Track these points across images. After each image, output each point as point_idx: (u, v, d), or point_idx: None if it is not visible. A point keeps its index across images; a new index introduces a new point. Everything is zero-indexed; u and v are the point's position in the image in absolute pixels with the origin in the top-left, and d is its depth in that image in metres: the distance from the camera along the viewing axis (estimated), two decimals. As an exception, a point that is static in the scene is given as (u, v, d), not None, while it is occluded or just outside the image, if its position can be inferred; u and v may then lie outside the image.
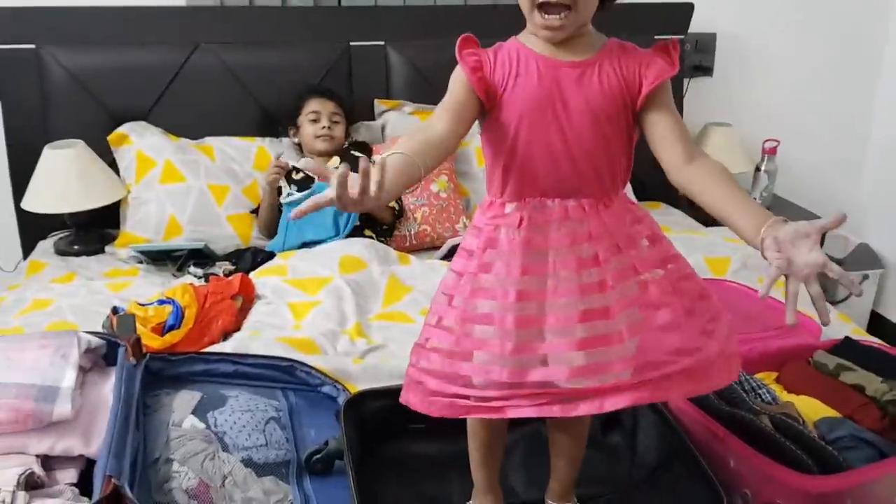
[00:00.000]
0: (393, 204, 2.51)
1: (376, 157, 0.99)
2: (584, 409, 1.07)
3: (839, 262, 3.02)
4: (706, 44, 3.09)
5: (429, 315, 1.21)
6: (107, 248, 2.51)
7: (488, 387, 1.09)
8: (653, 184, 2.94)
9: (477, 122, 1.20)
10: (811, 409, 1.48)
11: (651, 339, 1.10)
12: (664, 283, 1.16)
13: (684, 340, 1.12)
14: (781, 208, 3.11)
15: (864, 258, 3.12)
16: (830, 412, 1.47)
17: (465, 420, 1.32)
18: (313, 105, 2.59)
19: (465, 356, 1.12)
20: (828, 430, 1.41)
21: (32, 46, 2.54)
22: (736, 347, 1.18)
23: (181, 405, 1.45)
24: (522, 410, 1.09)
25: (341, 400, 1.60)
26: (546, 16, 1.10)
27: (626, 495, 1.42)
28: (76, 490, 1.24)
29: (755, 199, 3.07)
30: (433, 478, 1.43)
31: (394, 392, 1.50)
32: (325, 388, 1.67)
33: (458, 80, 1.16)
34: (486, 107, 1.16)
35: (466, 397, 1.11)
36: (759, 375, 1.58)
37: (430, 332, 1.19)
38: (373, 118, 2.83)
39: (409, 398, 1.20)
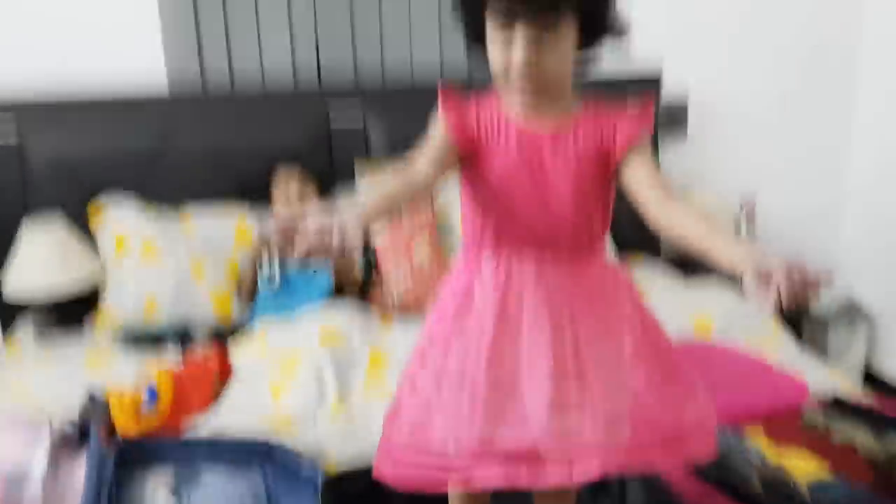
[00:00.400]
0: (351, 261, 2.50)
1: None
2: (554, 477, 1.04)
3: (826, 317, 3.02)
4: (678, 112, 3.11)
5: (402, 378, 1.19)
6: (85, 329, 2.47)
7: (457, 454, 1.06)
8: (634, 236, 2.93)
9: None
10: (801, 468, 1.44)
11: (626, 405, 1.08)
12: (642, 348, 1.14)
13: (660, 409, 1.09)
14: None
15: (851, 311, 3.11)
16: (821, 469, 1.43)
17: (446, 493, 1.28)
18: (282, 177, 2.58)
19: (435, 422, 1.09)
20: (822, 493, 1.38)
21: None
22: (713, 420, 1.15)
23: (154, 485, 1.41)
24: (490, 479, 1.05)
25: (319, 482, 1.56)
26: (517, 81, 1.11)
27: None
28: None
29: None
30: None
31: (371, 472, 1.47)
32: (305, 472, 1.62)
33: (440, 131, 1.17)
34: (464, 159, 1.17)
35: (436, 468, 1.08)
36: (747, 428, 1.54)
37: (402, 398, 1.17)
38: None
39: (381, 472, 1.16)
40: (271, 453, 1.62)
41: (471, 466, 1.05)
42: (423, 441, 1.10)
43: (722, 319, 2.27)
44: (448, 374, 1.12)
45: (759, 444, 1.53)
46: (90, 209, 2.56)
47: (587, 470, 1.03)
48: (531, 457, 1.04)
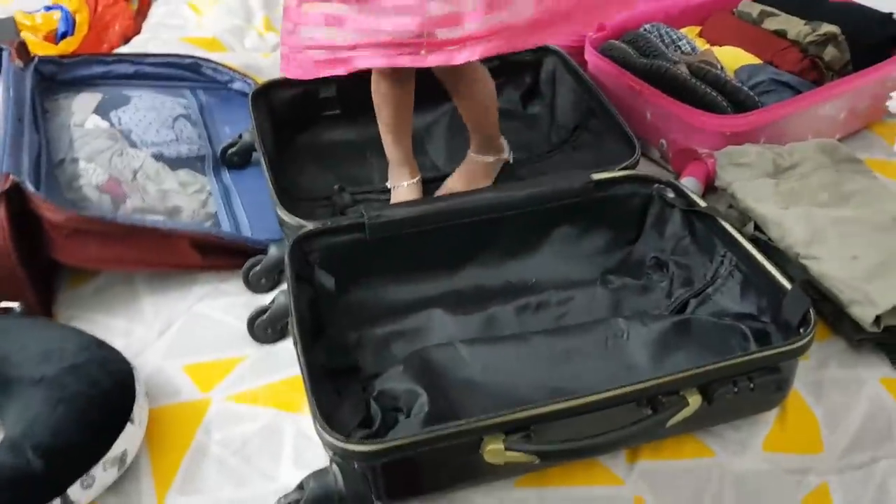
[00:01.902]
0: None
1: None
2: (434, 60, 1.01)
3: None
4: None
5: None
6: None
7: (338, 38, 1.03)
8: None
9: None
10: (732, 57, 1.45)
11: None
12: None
13: None
14: None
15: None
16: (752, 59, 1.45)
17: None
18: None
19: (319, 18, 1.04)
20: (747, 77, 1.40)
21: None
22: None
23: (81, 106, 1.38)
24: (372, 60, 1.04)
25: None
26: None
27: (546, 156, 1.41)
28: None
29: None
30: (351, 161, 1.40)
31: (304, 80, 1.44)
32: (236, 85, 1.59)
33: None
34: None
35: (326, 59, 1.05)
36: (682, 30, 1.53)
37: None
38: None
39: (287, 71, 1.12)
40: (198, 69, 1.57)
41: (350, 48, 1.03)
42: (307, 37, 1.06)
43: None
44: None
45: (694, 40, 1.52)
46: None
47: (470, 54, 1.00)
48: (412, 42, 1.00)
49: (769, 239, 1.10)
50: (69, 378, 0.86)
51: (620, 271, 1.17)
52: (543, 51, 1.49)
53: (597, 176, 1.15)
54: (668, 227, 1.15)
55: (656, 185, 1.15)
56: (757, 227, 1.12)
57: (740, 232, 1.05)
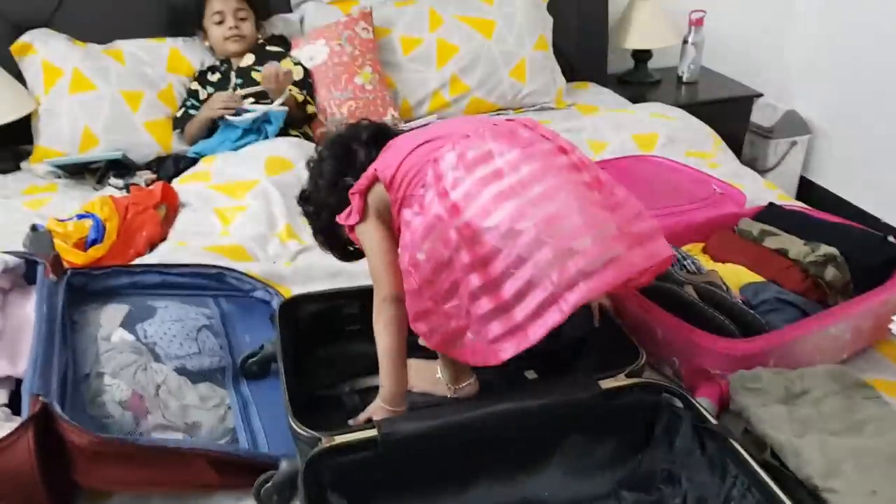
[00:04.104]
0: (311, 110, 2.45)
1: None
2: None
3: (768, 130, 3.07)
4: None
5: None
6: (22, 165, 2.41)
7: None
8: (581, 65, 2.92)
9: None
10: (736, 275, 1.51)
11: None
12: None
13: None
14: (709, 79, 3.11)
15: (792, 125, 3.16)
16: (755, 277, 1.51)
17: None
18: (215, 5, 2.45)
19: None
20: (752, 295, 1.45)
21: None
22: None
23: (108, 319, 1.42)
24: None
25: (275, 304, 1.59)
26: None
27: (552, 366, 1.44)
28: (7, 410, 1.22)
29: (683, 72, 3.06)
30: (370, 373, 1.43)
31: (328, 296, 1.50)
32: (258, 293, 1.65)
33: None
34: None
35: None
36: (685, 247, 1.60)
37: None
38: (290, 10, 2.72)
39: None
40: (222, 279, 1.63)
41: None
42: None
43: (664, 137, 2.29)
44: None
45: (697, 257, 1.59)
46: (13, 49, 2.41)
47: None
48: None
49: (783, 466, 1.11)
50: None
51: (632, 485, 1.17)
52: None
53: (605, 384, 1.18)
54: (677, 439, 1.16)
55: (664, 394, 1.18)
56: (773, 454, 1.13)
57: (751, 455, 1.06)
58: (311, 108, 2.45)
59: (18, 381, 1.27)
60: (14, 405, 1.24)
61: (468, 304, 1.07)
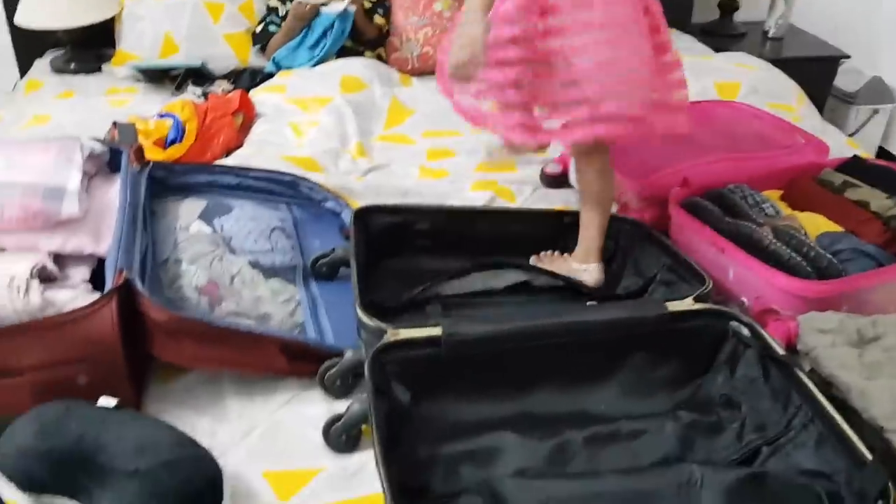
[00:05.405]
0: (380, 21, 2.44)
1: None
2: None
3: (850, 96, 2.97)
4: None
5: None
6: (104, 67, 2.45)
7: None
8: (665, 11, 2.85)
9: None
10: (814, 224, 1.48)
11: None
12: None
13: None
14: (795, 36, 3.03)
15: (876, 92, 3.05)
16: (833, 227, 1.48)
17: (466, 240, 1.49)
18: None
19: None
20: (829, 244, 1.42)
21: None
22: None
23: (188, 211, 1.46)
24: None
25: (344, 215, 1.61)
26: None
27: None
28: (89, 285, 1.27)
29: (770, 27, 2.98)
30: (434, 287, 1.44)
31: (402, 210, 1.52)
32: (329, 204, 1.67)
33: None
34: None
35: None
36: (764, 193, 1.57)
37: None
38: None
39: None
40: (296, 186, 1.66)
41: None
42: None
43: (746, 86, 2.24)
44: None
45: (777, 204, 1.56)
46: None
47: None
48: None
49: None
50: (164, 473, 0.89)
51: (691, 406, 1.18)
52: (621, 221, 1.53)
53: (672, 307, 1.18)
54: (740, 367, 1.17)
55: (732, 322, 1.17)
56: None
57: (818, 388, 1.05)
58: (378, 20, 2.43)
59: (100, 261, 1.32)
60: (95, 282, 1.29)
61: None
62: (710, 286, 1.26)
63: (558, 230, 1.54)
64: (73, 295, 1.19)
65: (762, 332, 1.15)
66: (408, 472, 1.02)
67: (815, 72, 2.87)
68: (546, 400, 1.17)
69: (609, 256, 1.52)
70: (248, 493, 1.02)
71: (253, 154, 1.83)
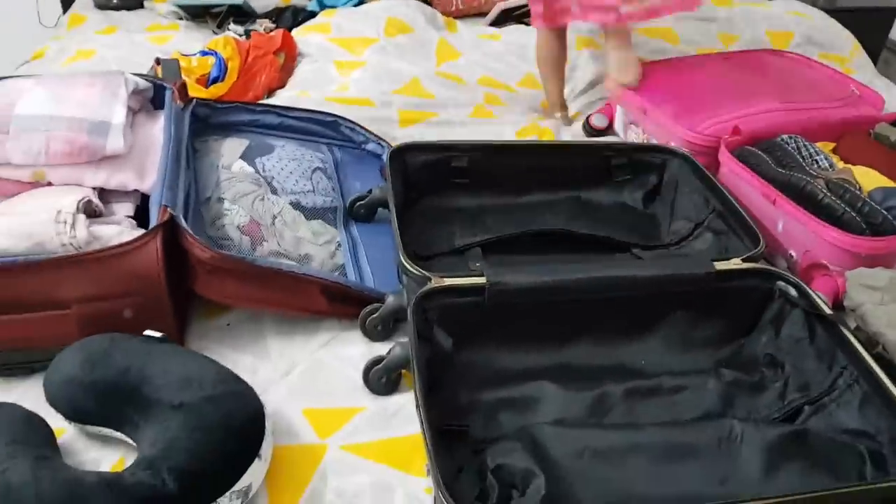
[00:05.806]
0: None
1: None
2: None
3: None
4: None
5: None
6: (146, 3, 2.44)
7: None
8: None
9: None
10: (867, 178, 1.44)
11: None
12: None
13: None
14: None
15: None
16: (887, 182, 1.43)
17: (504, 177, 1.46)
18: None
19: None
20: (882, 199, 1.38)
21: None
22: None
23: (230, 150, 1.46)
24: None
25: (385, 157, 1.59)
26: None
27: (664, 248, 1.42)
28: (133, 222, 1.27)
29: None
30: (471, 225, 1.43)
31: (439, 147, 1.50)
32: (370, 146, 1.66)
33: None
34: None
35: None
36: (817, 145, 1.53)
37: None
38: None
39: None
40: (337, 127, 1.65)
41: None
42: None
43: (800, 35, 2.17)
44: None
45: (830, 157, 1.52)
46: None
47: None
48: None
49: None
50: (208, 407, 0.90)
51: (733, 365, 1.16)
52: (670, 153, 1.50)
53: (720, 266, 1.16)
54: (785, 326, 1.15)
55: (779, 282, 1.15)
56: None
57: (865, 348, 1.03)
58: None
59: (143, 197, 1.32)
60: (139, 219, 1.29)
61: None
62: (763, 248, 1.23)
63: (603, 165, 1.51)
64: (118, 230, 1.19)
65: (810, 291, 1.12)
66: (448, 416, 1.02)
67: (870, 22, 2.76)
68: (587, 352, 1.16)
69: (652, 189, 1.50)
70: (289, 430, 1.03)
71: (297, 96, 1.82)
